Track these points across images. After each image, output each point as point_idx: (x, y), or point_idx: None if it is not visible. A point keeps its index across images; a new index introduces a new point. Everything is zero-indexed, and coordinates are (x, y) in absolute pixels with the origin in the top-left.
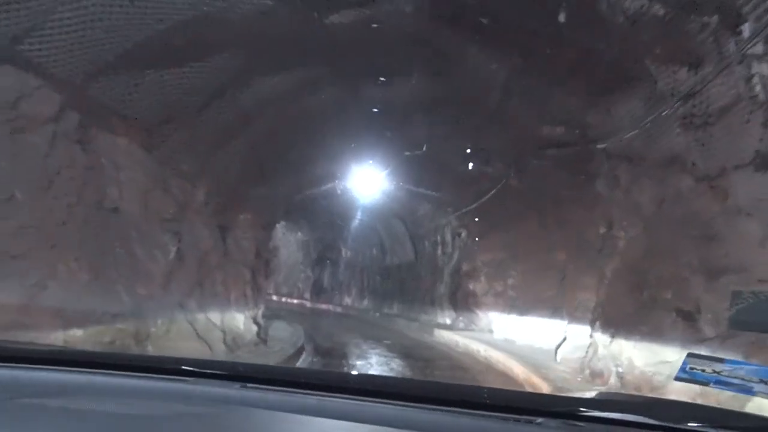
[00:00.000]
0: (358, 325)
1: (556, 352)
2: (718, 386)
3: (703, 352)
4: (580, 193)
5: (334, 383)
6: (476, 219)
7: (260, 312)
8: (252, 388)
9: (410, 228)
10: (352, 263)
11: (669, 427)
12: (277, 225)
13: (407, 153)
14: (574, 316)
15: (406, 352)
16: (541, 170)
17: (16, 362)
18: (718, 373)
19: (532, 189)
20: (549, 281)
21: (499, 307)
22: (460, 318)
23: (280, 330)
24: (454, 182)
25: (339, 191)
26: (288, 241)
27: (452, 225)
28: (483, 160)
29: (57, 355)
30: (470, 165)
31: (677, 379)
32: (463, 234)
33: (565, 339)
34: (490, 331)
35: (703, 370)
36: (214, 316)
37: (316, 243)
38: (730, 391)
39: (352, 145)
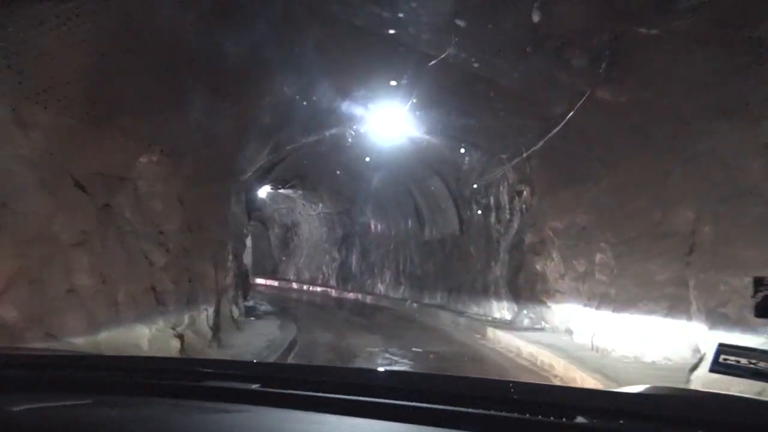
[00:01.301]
0: (387, 321)
1: (689, 379)
2: (757, 378)
3: None
4: (735, 91)
5: (356, 381)
6: (544, 166)
7: (204, 316)
8: (271, 387)
9: (453, 188)
10: (384, 239)
11: (725, 424)
12: (296, 198)
13: (432, 63)
14: (718, 316)
15: (443, 366)
16: (655, 58)
17: (33, 368)
18: (754, 364)
19: (639, 101)
20: (665, 256)
21: (582, 298)
22: (524, 312)
23: (255, 337)
24: (506, 107)
25: (350, 140)
26: (309, 216)
27: (509, 179)
28: (552, 57)
29: (72, 361)
30: (529, 69)
31: (712, 370)
32: (526, 191)
33: (703, 357)
34: (569, 333)
35: (738, 362)
36: (73, 332)
37: (341, 216)
38: None
39: (345, 55)
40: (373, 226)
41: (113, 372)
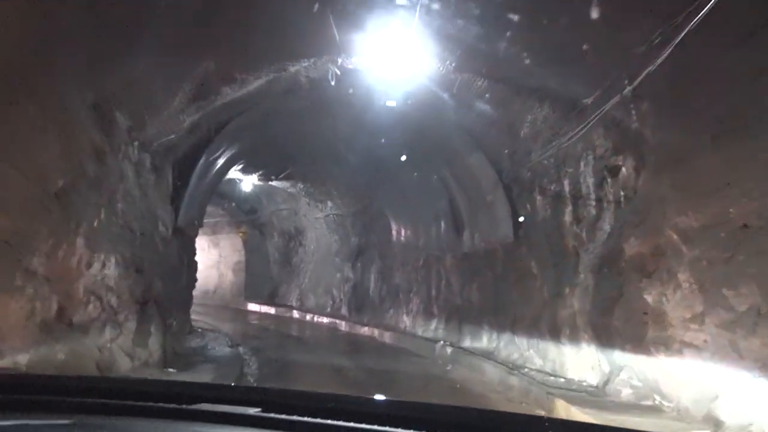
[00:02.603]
0: (402, 378)
1: None
2: None
3: None
4: None
5: (362, 409)
6: (665, 111)
7: None
8: (272, 413)
9: (505, 168)
10: (411, 252)
11: None
12: (299, 195)
13: None
14: None
15: None
16: None
17: (15, 389)
18: None
19: None
20: None
21: (746, 360)
22: (622, 375)
23: None
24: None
25: (333, 81)
26: (315, 220)
27: (596, 148)
28: None
29: (55, 381)
30: None
31: None
32: (627, 166)
33: None
34: (713, 424)
35: None
36: None
37: (355, 219)
38: None
39: None
40: (395, 233)
41: (98, 393)
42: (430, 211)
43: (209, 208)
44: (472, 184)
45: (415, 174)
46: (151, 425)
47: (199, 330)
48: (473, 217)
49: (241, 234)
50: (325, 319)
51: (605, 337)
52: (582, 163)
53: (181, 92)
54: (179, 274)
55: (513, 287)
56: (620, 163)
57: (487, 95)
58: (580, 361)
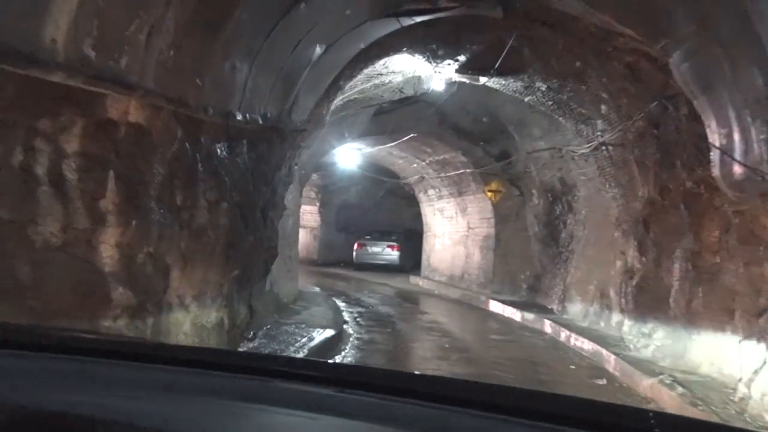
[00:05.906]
0: None
1: None
2: None
3: None
4: None
5: (452, 393)
6: None
7: None
8: (351, 393)
9: None
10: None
11: None
12: (553, 115)
13: None
14: None
15: None
16: None
17: (25, 348)
18: None
19: None
20: None
21: None
22: None
23: None
24: None
25: None
26: (583, 160)
27: None
28: None
29: (72, 342)
30: None
31: None
32: None
33: None
34: None
35: None
36: None
37: (644, 148)
38: None
39: None
40: (718, 159)
41: (160, 365)
42: None
43: (448, 154)
44: None
45: None
46: (221, 402)
47: None
48: None
49: (489, 193)
50: (588, 346)
51: None
52: None
53: None
54: None
55: None
56: None
57: None
58: None
